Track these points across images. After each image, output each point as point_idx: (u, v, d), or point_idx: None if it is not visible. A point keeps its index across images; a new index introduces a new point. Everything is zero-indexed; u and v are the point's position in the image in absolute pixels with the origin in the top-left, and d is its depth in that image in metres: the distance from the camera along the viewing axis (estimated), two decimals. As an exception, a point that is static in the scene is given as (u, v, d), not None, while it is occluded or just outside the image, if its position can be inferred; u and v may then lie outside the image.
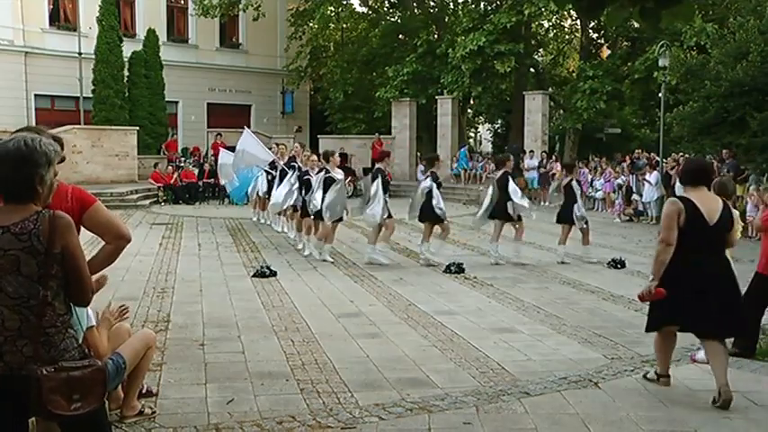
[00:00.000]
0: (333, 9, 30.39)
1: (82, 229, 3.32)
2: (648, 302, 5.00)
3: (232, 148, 23.78)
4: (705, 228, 4.79)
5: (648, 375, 5.30)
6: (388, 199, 10.59)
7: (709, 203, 4.89)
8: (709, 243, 4.85)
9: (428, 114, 29.52)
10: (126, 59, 25.62)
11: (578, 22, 31.55)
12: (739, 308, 4.97)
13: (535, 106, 25.22)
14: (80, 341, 2.86)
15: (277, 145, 15.17)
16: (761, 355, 5.87)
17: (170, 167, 22.43)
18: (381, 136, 27.70)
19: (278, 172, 13.43)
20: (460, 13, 28.65)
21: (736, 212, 5.62)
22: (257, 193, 15.67)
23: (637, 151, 25.39)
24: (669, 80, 20.77)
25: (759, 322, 6.02)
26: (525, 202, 11.12)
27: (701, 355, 5.65)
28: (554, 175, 22.06)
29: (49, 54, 26.36)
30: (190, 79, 29.68)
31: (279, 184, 12.82)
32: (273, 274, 9.43)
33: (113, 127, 23.90)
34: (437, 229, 10.84)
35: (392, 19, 33.44)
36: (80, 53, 24.38)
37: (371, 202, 10.41)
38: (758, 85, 16.14)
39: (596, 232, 11.79)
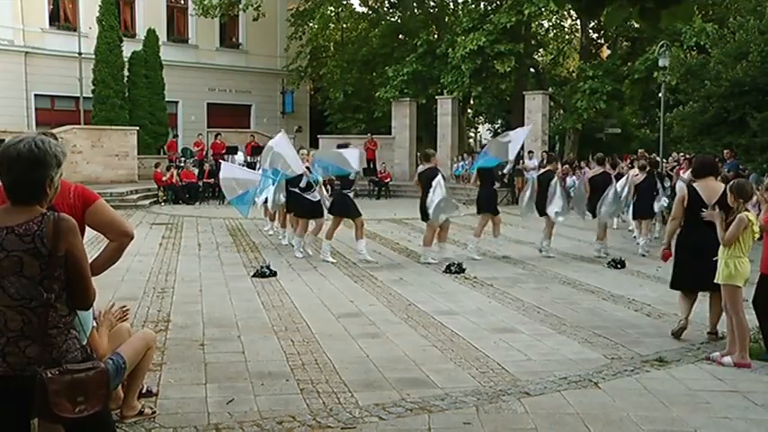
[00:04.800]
0: (333, 9, 30.40)
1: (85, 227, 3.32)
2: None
3: (233, 149, 23.42)
4: (704, 208, 6.10)
5: (673, 329, 6.44)
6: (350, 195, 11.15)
7: (710, 190, 6.26)
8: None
9: (428, 114, 29.50)
10: (126, 59, 25.63)
11: (578, 22, 31.56)
12: None
13: (535, 106, 25.21)
14: (84, 343, 2.85)
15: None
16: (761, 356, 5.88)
17: (171, 168, 22.38)
18: (382, 136, 27.68)
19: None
20: (460, 13, 28.64)
21: (752, 215, 5.84)
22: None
23: (640, 151, 25.38)
24: (669, 80, 20.76)
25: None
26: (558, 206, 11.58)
27: (715, 354, 5.76)
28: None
29: (49, 54, 26.36)
30: (190, 79, 29.69)
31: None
32: (273, 274, 9.44)
33: (113, 127, 23.90)
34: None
35: (392, 19, 33.42)
36: (80, 53, 24.37)
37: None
38: (758, 85, 16.14)
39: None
